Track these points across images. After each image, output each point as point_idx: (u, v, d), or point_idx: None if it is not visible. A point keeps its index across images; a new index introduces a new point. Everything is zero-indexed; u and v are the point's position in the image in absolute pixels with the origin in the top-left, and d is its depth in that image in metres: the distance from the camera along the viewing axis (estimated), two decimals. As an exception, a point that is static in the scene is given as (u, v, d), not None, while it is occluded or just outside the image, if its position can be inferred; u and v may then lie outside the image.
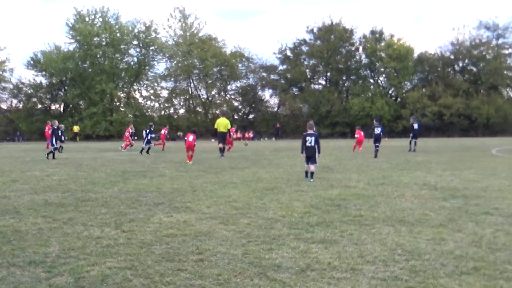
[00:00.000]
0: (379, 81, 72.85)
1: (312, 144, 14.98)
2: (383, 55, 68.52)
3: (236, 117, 70.82)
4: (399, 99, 70.37)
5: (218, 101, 73.57)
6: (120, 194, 12.41)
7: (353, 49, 70.74)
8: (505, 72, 69.86)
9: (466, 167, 19.09)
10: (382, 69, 70.66)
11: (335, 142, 49.23)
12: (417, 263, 6.31)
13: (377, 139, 25.84)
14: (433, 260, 6.45)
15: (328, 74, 71.62)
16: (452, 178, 15.26)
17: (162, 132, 38.12)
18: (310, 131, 15.08)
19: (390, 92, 71.54)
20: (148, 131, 29.88)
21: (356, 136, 30.94)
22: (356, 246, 7.19)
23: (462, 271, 5.99)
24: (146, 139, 29.45)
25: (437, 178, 15.44)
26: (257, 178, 15.58)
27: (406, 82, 71.13)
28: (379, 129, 26.27)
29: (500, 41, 71.09)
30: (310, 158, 15.00)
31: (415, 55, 70.51)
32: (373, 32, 70.23)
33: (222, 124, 26.45)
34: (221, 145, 26.07)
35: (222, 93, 75.13)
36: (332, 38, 69.21)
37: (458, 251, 6.82)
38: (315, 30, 70.96)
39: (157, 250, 7.00)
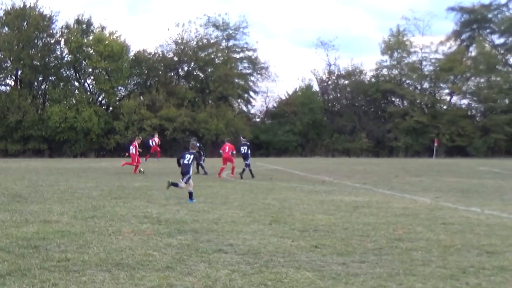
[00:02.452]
0: (86, 84, 72.69)
1: (189, 162, 18.38)
2: (91, 51, 68.45)
3: None
4: (111, 108, 71.06)
5: None
6: None
7: (52, 41, 69.43)
8: (236, 80, 75.67)
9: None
10: (90, 70, 70.48)
11: (29, 162, 47.66)
12: (141, 318, 6.45)
13: (245, 157, 30.30)
14: (161, 312, 6.67)
15: (19, 72, 69.09)
16: (178, 208, 15.97)
17: None
18: (191, 150, 18.79)
19: (100, 99, 71.86)
20: None
21: (221, 151, 31.63)
22: (62, 300, 7.06)
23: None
24: None
25: (160, 208, 16.00)
26: None
27: (120, 88, 72.11)
28: (245, 147, 30.68)
29: (231, 43, 77.13)
30: (184, 175, 18.32)
31: (132, 54, 72.08)
32: (79, 22, 69.79)
33: None
34: None
35: None
36: (25, 26, 66.98)
37: (190, 299, 7.17)
38: (1, 14, 68.05)
39: None
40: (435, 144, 67.87)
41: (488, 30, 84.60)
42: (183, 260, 9.47)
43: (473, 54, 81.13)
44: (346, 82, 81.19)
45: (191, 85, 74.89)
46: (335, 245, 11.02)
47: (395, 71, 79.92)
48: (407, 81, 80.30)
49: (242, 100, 79.41)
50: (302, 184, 25.99)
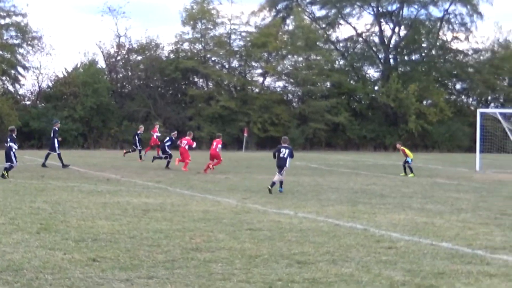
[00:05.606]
0: None
1: (286, 156, 24.24)
2: None
3: None
4: None
5: None
6: None
7: None
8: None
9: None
10: None
11: None
12: None
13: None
14: None
15: None
16: None
17: None
18: (284, 145, 24.78)
19: None
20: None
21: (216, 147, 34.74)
22: None
23: None
24: None
25: None
26: None
27: None
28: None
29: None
30: (281, 168, 24.05)
31: None
32: None
33: None
34: None
35: None
36: None
37: None
38: None
39: None
40: (245, 135, 69.55)
41: (307, 0, 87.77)
42: None
43: (290, 27, 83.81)
44: (139, 58, 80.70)
45: None
46: (118, 257, 11.04)
47: (199, 46, 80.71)
48: (213, 58, 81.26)
49: (7, 78, 76.61)
50: (81, 183, 25.76)
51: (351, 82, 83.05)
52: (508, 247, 13.12)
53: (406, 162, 35.29)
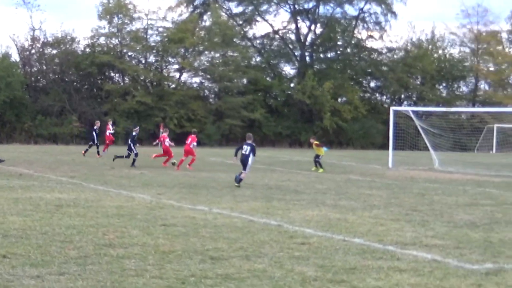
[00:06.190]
0: None
1: (247, 153, 25.29)
2: None
3: None
4: None
5: None
6: None
7: None
8: None
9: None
10: None
11: None
12: None
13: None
14: None
15: None
16: None
17: None
18: (248, 141, 25.78)
19: None
20: None
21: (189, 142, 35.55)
22: None
23: None
24: None
25: None
26: None
27: None
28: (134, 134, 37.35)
29: None
30: (244, 165, 25.36)
31: None
32: None
33: None
34: None
35: None
36: None
37: None
38: None
39: None
40: (161, 130, 69.11)
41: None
42: None
43: (207, 24, 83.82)
44: (54, 51, 79.50)
45: None
46: (29, 253, 10.88)
47: (115, 41, 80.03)
48: (129, 53, 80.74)
49: None
50: (-7, 178, 25.32)
51: (267, 79, 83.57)
52: (418, 242, 13.37)
53: (317, 157, 36.01)
